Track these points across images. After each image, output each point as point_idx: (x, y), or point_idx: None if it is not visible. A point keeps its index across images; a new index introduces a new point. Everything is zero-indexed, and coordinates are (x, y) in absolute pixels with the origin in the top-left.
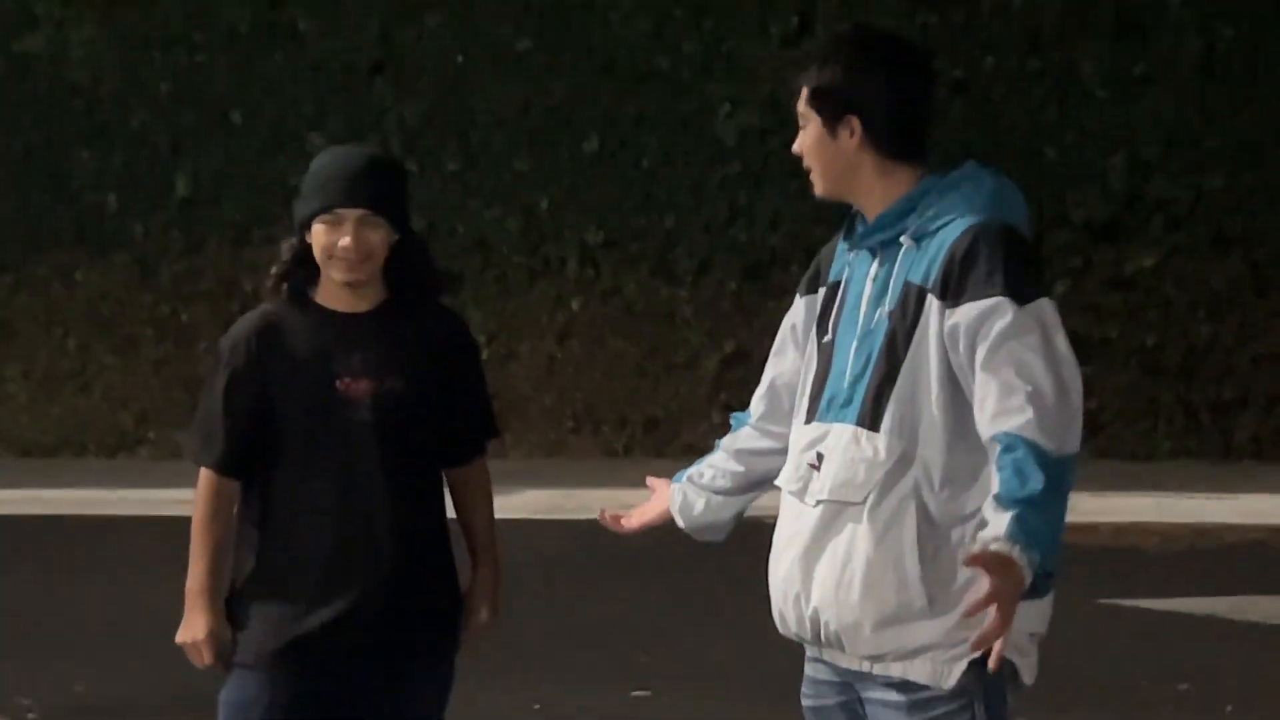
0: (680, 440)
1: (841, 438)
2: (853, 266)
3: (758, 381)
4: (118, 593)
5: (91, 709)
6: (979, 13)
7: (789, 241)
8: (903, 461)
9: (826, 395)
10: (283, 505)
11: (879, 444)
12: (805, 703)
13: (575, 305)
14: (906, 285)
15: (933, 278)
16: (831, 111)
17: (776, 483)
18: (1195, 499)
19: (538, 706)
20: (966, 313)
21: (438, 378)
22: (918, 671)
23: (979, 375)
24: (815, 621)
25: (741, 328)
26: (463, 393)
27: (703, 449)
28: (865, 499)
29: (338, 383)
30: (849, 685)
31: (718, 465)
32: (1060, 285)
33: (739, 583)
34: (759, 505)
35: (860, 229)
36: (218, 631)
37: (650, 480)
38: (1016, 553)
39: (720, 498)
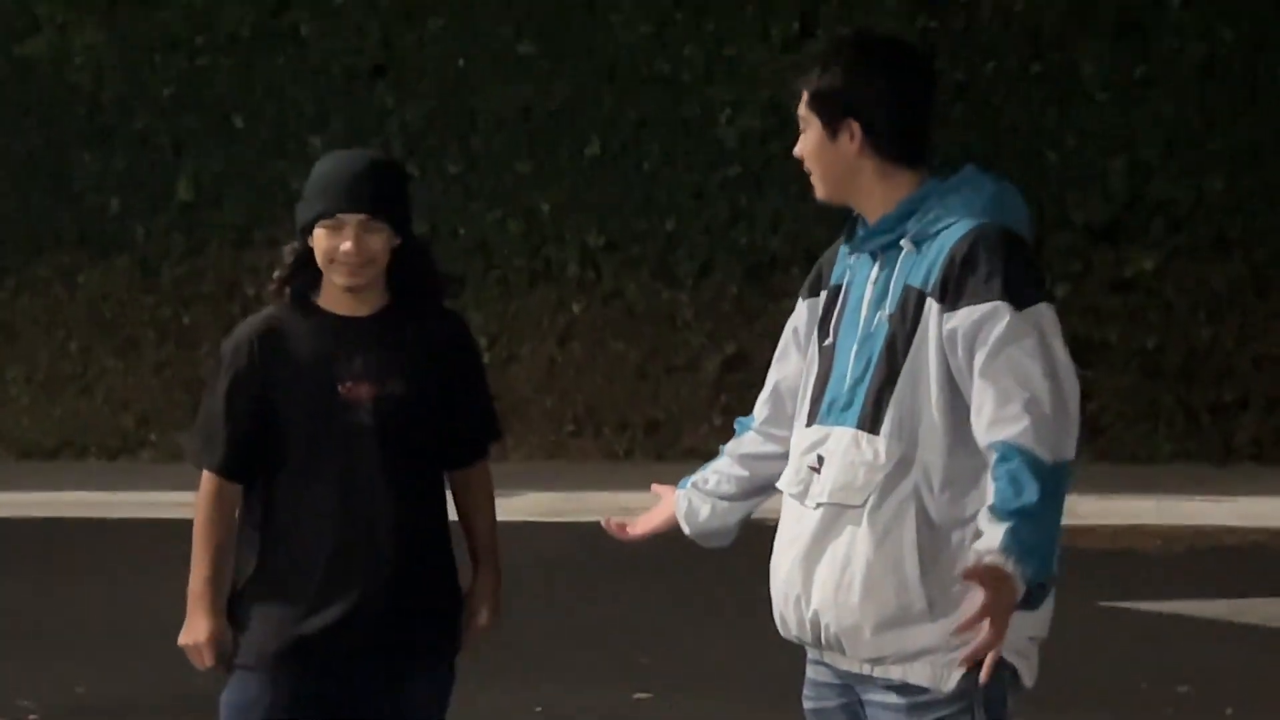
0: (681, 443)
1: (842, 441)
2: (854, 270)
3: (759, 384)
4: (119, 594)
5: (92, 710)
6: (980, 16)
7: (790, 244)
8: (903, 464)
9: (827, 398)
10: (284, 508)
11: (879, 447)
12: (806, 705)
13: (576, 308)
14: (906, 289)
15: (932, 281)
16: (832, 115)
17: (778, 485)
18: (1195, 501)
19: (539, 708)
20: (964, 317)
21: (439, 381)
22: (917, 674)
23: (977, 382)
24: (815, 624)
25: (742, 330)
26: (464, 395)
27: (704, 451)
28: (865, 502)
29: (339, 387)
30: (849, 688)
31: (722, 471)
32: (1061, 287)
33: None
34: (761, 508)
35: (861, 232)
36: (219, 634)
37: (655, 487)
38: (1010, 565)
39: (725, 503)
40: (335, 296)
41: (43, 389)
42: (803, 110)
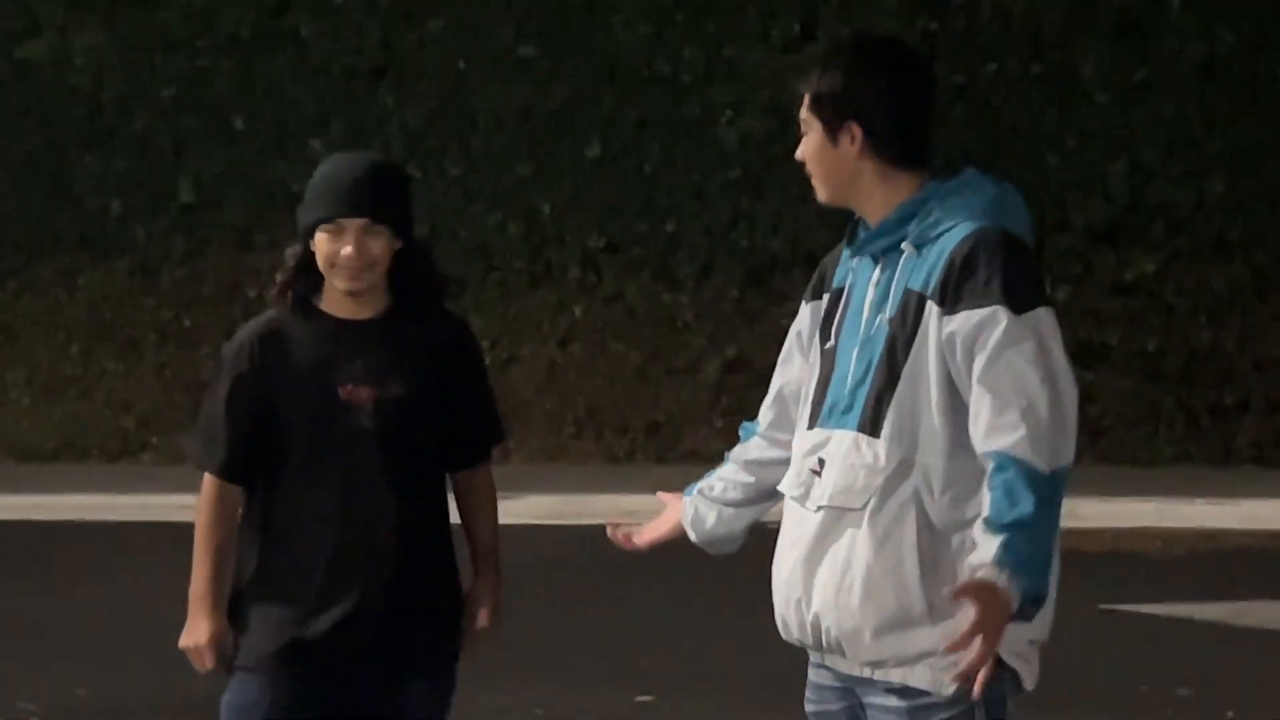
0: (682, 445)
1: (842, 444)
2: (856, 273)
3: (760, 386)
4: (119, 597)
5: (93, 712)
6: (980, 18)
7: (790, 246)
8: (903, 467)
9: (828, 401)
10: (285, 510)
11: (879, 450)
12: (808, 708)
13: (577, 310)
14: (907, 292)
15: (932, 284)
16: (832, 118)
17: (779, 488)
18: (1196, 504)
19: (540, 710)
20: (963, 321)
21: (440, 383)
22: (918, 678)
23: (975, 388)
24: (816, 627)
25: (743, 332)
26: (466, 398)
27: (705, 453)
28: (865, 505)
29: (340, 390)
30: (851, 691)
31: (728, 477)
32: (1061, 290)
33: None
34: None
35: (862, 235)
36: (220, 636)
37: (661, 495)
38: (1003, 579)
39: (732, 510)
40: (336, 299)
41: (43, 391)
42: (804, 113)
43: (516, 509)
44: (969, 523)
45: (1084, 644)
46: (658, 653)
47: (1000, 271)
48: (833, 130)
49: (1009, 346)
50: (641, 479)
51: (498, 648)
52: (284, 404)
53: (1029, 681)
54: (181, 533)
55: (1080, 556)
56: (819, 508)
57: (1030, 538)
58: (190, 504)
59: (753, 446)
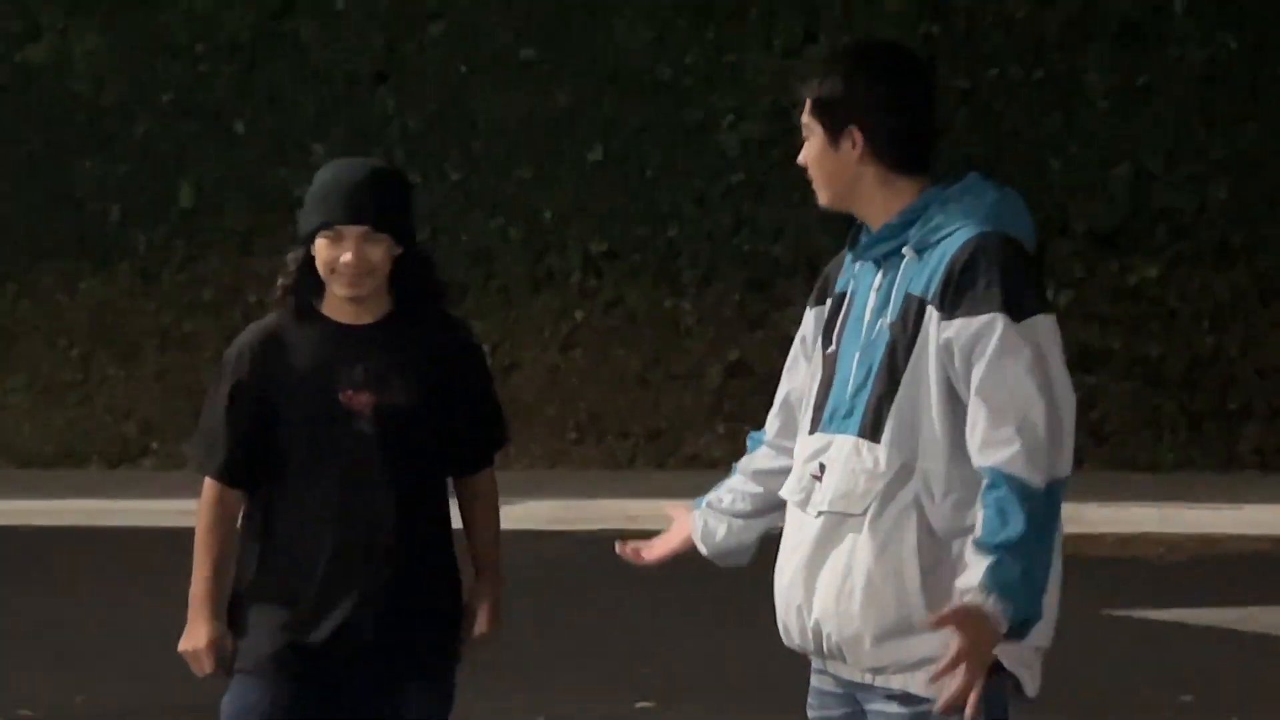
0: (683, 451)
1: (843, 449)
2: (858, 278)
3: (761, 391)
4: (119, 603)
5: (92, 718)
6: (983, 23)
7: (792, 252)
8: (903, 473)
9: (829, 406)
10: (285, 514)
11: (879, 455)
12: (811, 714)
13: (578, 315)
14: (908, 297)
15: (933, 289)
16: (833, 123)
17: (781, 493)
18: (1199, 509)
19: (540, 716)
20: (961, 328)
21: (442, 388)
22: (919, 684)
23: (972, 398)
24: (817, 633)
25: (745, 338)
26: (468, 403)
27: (706, 459)
28: (866, 510)
29: (340, 395)
30: (852, 697)
31: (736, 488)
32: (1063, 295)
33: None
34: None
35: (864, 240)
36: (219, 640)
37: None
38: (989, 604)
39: (741, 521)
40: (338, 304)
41: (43, 397)
42: (805, 118)
43: (518, 514)
44: (970, 529)
45: (1086, 649)
46: (658, 658)
47: (999, 278)
48: (834, 135)
49: (1006, 355)
50: (643, 484)
51: (498, 652)
52: (284, 408)
53: (1031, 688)
54: (181, 538)
55: (1083, 561)
56: (819, 513)
57: (1020, 559)
58: (190, 510)
59: (760, 456)
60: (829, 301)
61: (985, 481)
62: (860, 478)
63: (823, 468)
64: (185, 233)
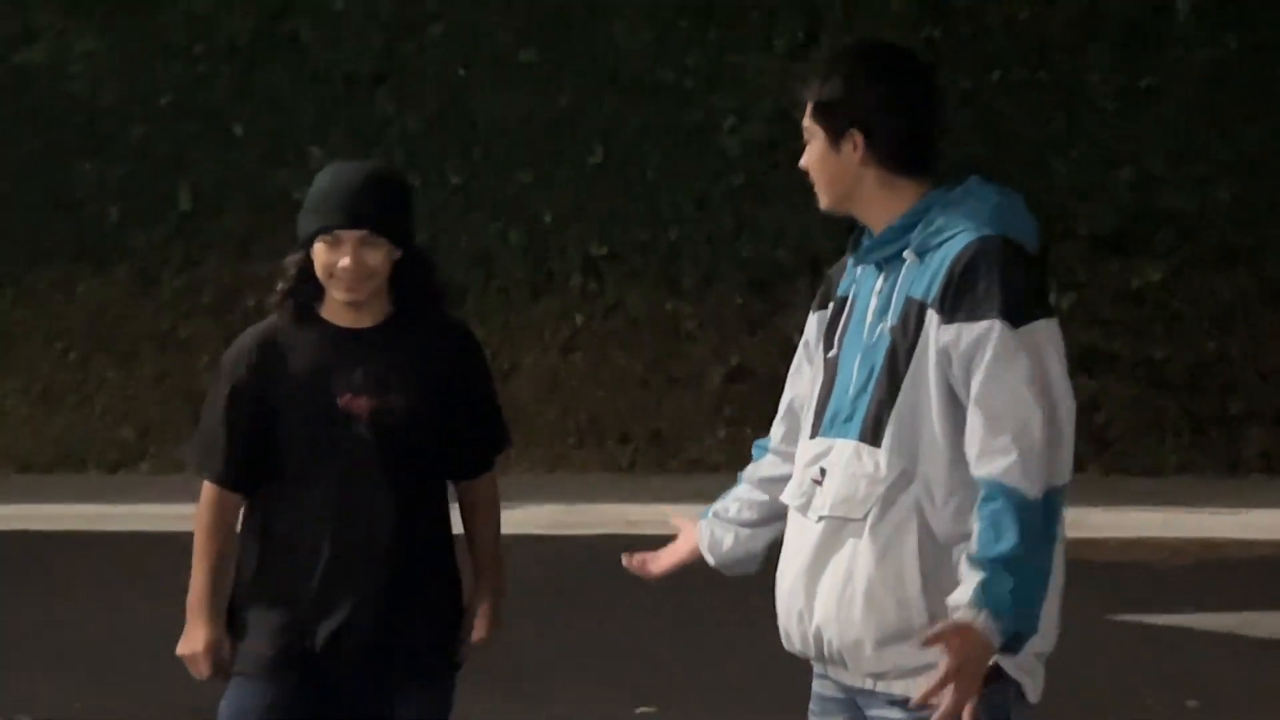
0: (684, 455)
1: (843, 453)
2: (859, 282)
3: (763, 395)
4: (117, 608)
5: None
6: (986, 25)
7: (794, 255)
8: (904, 477)
9: (830, 410)
10: (283, 517)
11: (880, 460)
12: None
13: (579, 319)
14: (908, 301)
15: (933, 293)
16: (834, 125)
17: (782, 498)
18: (1203, 514)
19: None
20: (960, 334)
21: (442, 392)
22: (920, 690)
23: (970, 407)
24: (818, 638)
25: (746, 341)
26: (468, 406)
27: (707, 463)
28: (866, 515)
29: (338, 399)
30: (853, 702)
31: (743, 497)
32: (1067, 298)
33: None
34: None
35: (865, 243)
36: (217, 643)
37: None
38: (980, 620)
39: (749, 530)
40: (337, 308)
41: (41, 400)
42: (807, 121)
43: (518, 518)
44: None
45: (1089, 654)
46: (659, 663)
47: (999, 282)
48: (835, 138)
49: (1004, 363)
50: (644, 489)
51: (498, 658)
52: (282, 411)
53: (1033, 694)
54: (181, 543)
55: (1086, 566)
56: (820, 518)
57: (1011, 574)
58: (189, 514)
59: (765, 464)
60: (831, 306)
61: (981, 494)
62: (861, 482)
63: (823, 472)
64: (184, 236)
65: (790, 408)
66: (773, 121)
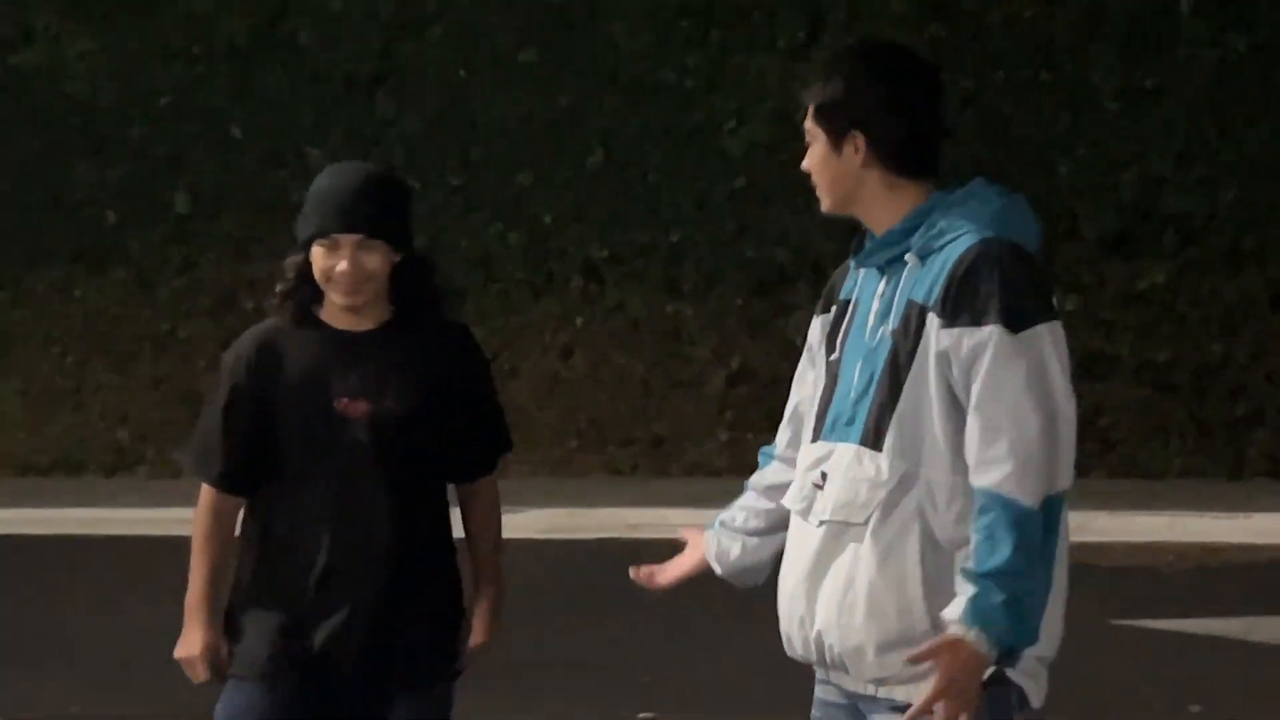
0: (685, 458)
1: (844, 457)
2: (862, 285)
3: (765, 398)
4: (115, 612)
5: None
6: (989, 25)
7: (796, 257)
8: (905, 482)
9: (832, 414)
10: (281, 520)
11: (881, 464)
12: None
13: (579, 321)
14: (909, 304)
15: (934, 296)
16: (836, 127)
17: (783, 502)
18: (1207, 518)
19: None
20: (960, 339)
21: (441, 395)
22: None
23: (969, 414)
24: (820, 644)
25: (748, 344)
26: (468, 409)
27: (709, 467)
28: (868, 519)
29: (335, 403)
30: (855, 708)
31: (749, 506)
32: (1071, 300)
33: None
34: None
35: (867, 246)
36: (214, 646)
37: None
38: (972, 635)
39: (756, 539)
40: (336, 311)
41: (38, 404)
42: (808, 123)
43: (518, 522)
44: None
45: (1092, 658)
46: (660, 668)
47: (1000, 287)
48: (836, 140)
49: (1002, 370)
50: (644, 492)
51: (498, 662)
52: (280, 414)
53: (1036, 699)
54: (178, 547)
55: (1090, 570)
56: (821, 522)
57: (1005, 587)
58: (187, 518)
59: (770, 472)
60: (834, 309)
61: (977, 505)
62: (862, 487)
63: (824, 476)
64: (181, 238)
65: (795, 412)
66: (774, 123)
